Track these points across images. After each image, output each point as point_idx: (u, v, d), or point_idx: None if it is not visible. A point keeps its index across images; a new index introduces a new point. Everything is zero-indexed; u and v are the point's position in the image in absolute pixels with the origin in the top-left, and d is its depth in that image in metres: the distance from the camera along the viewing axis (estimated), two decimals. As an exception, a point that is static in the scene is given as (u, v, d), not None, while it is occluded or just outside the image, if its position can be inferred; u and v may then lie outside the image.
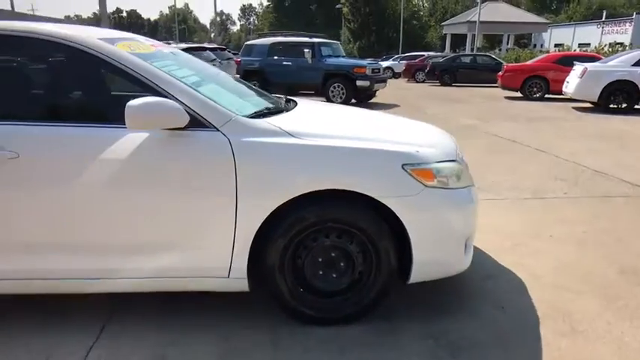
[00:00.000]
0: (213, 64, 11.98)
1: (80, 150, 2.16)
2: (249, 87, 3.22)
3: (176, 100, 2.20)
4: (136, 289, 2.34)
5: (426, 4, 63.65)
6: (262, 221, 2.22)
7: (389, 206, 2.26)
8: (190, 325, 2.42)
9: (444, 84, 20.56)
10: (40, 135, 2.16)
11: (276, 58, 13.18)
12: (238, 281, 2.32)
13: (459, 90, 18.37)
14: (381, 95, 14.81)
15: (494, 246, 3.40)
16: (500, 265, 3.12)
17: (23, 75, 2.31)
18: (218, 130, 2.21)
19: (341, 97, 12.59)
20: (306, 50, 12.62)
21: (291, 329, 2.38)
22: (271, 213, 2.21)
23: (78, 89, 2.32)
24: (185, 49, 11.29)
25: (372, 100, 13.84)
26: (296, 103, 3.03)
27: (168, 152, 2.18)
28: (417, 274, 2.40)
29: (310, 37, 13.66)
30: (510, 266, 3.10)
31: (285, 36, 14.18)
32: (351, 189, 2.23)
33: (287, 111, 2.71)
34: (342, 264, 2.39)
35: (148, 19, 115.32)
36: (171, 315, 2.49)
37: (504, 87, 14.97)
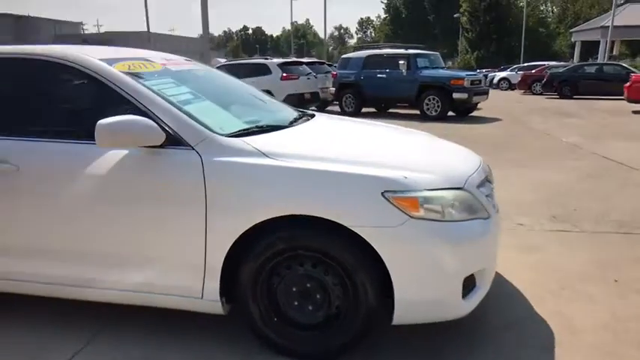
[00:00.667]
0: (308, 78, 12.29)
1: (67, 165, 2.28)
2: (268, 102, 3.20)
3: (157, 117, 2.21)
4: (118, 300, 2.39)
5: (555, 10, 58.84)
6: (231, 243, 2.13)
7: (363, 237, 2.03)
8: (169, 343, 2.40)
9: (563, 96, 18.69)
10: (37, 150, 2.32)
11: (371, 70, 13.09)
12: (212, 303, 2.25)
13: (577, 103, 16.55)
14: (487, 108, 13.93)
15: (536, 287, 2.92)
16: (534, 313, 2.65)
17: (25, 93, 2.52)
18: (193, 149, 2.18)
19: (436, 110, 12.07)
20: (400, 62, 12.35)
21: (265, 358, 2.25)
22: (242, 236, 2.12)
23: (74, 107, 2.45)
24: (281, 64, 11.72)
25: (474, 114, 13.07)
26: (308, 119, 2.92)
27: (144, 169, 2.20)
28: (401, 315, 2.12)
29: (407, 48, 13.33)
30: (546, 315, 2.62)
31: (381, 48, 14.03)
32: (319, 215, 2.04)
33: (284, 128, 2.61)
34: (318, 296, 2.20)
35: (271, 36, 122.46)
36: (156, 330, 2.50)
37: (630, 100, 13.13)
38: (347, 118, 3.64)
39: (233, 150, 2.18)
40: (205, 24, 11.20)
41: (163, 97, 2.31)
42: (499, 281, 3.03)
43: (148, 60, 2.70)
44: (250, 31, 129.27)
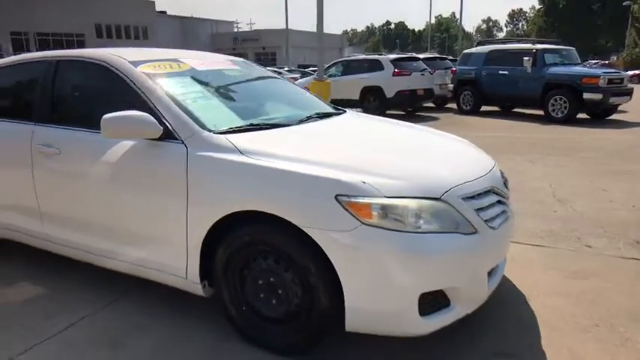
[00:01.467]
0: (422, 74, 11.94)
1: (90, 150, 2.66)
2: (299, 100, 3.30)
3: (159, 113, 2.47)
4: (127, 271, 2.71)
5: None
6: (207, 230, 2.28)
7: (314, 238, 2.04)
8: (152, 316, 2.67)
9: None
10: (72, 137, 2.74)
11: (492, 66, 12.26)
12: (194, 285, 2.45)
13: None
14: (636, 111, 12.11)
15: (559, 318, 2.59)
16: (537, 346, 2.36)
17: (70, 89, 2.97)
18: (182, 143, 2.39)
19: (562, 112, 10.87)
20: (525, 58, 11.33)
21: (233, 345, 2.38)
22: (215, 225, 2.27)
23: (103, 101, 2.83)
24: (394, 60, 11.59)
25: (613, 117, 11.47)
26: (321, 118, 2.97)
27: (143, 158, 2.48)
28: (353, 323, 2.08)
29: (535, 43, 12.18)
30: (552, 351, 2.31)
31: (513, 43, 13.03)
32: (273, 212, 2.10)
33: (284, 127, 2.69)
34: (280, 291, 2.25)
35: (413, 30, 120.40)
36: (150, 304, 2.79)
37: None
38: (378, 118, 3.55)
39: (214, 146, 2.34)
40: (320, 19, 11.52)
41: (168, 95, 2.55)
42: (516, 302, 2.76)
43: (177, 61, 2.98)
44: (392, 26, 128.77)
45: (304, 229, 2.04)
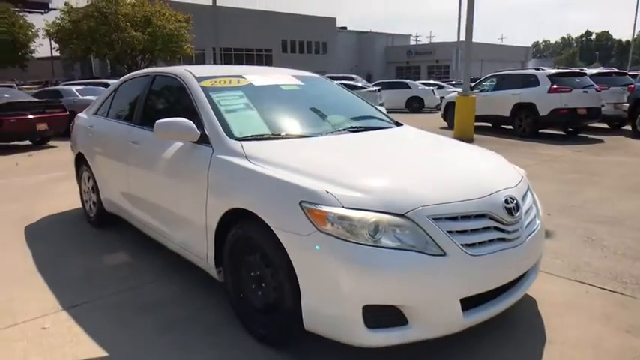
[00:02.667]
0: (584, 91, 10.69)
1: (156, 148, 3.24)
2: (350, 113, 3.50)
3: (202, 121, 2.94)
4: (177, 251, 3.24)
5: None
6: (217, 222, 2.64)
7: (280, 239, 2.23)
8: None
9: None
10: (147, 136, 3.38)
11: (681, 84, 10.31)
12: (212, 269, 2.84)
13: None
14: None
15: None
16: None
17: (151, 98, 3.64)
18: (211, 146, 2.81)
19: None
20: None
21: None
22: (224, 218, 2.61)
23: (173, 108, 3.41)
24: (553, 75, 10.64)
25: None
26: (354, 131, 3.12)
27: (185, 157, 2.97)
28: (309, 323, 2.22)
29: None
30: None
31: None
32: (255, 212, 2.34)
33: (305, 137, 2.93)
34: (263, 284, 2.48)
35: (619, 41, 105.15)
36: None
37: None
38: (422, 134, 3.48)
39: (230, 150, 2.69)
40: (469, 28, 11.14)
41: (213, 107, 2.99)
42: (533, 344, 2.51)
43: (241, 77, 3.43)
44: (593, 36, 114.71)
45: (274, 230, 2.26)
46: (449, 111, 13.32)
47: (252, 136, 2.84)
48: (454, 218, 2.19)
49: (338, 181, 2.25)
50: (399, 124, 3.68)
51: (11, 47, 27.65)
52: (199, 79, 3.26)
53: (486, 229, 2.27)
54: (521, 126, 11.40)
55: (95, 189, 4.39)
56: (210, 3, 20.10)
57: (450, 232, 2.14)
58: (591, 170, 7.23)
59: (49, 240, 4.29)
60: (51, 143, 11.11)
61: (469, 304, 2.22)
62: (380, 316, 2.09)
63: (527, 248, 2.41)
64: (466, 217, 2.23)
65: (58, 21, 28.42)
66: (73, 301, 3.06)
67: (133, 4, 29.25)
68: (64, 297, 3.12)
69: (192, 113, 3.04)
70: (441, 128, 13.29)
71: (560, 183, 6.31)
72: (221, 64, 42.42)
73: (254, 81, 3.42)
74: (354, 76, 28.47)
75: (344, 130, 3.17)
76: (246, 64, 44.76)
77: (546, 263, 3.57)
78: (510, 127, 11.77)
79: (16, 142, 10.72)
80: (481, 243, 2.22)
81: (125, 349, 2.52)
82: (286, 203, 2.23)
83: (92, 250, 3.99)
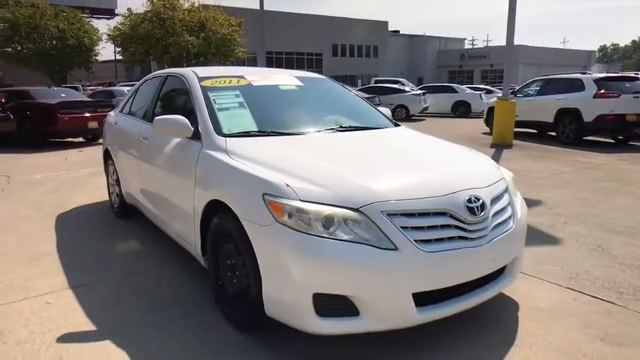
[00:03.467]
0: (635, 97, 10.15)
1: (159, 143, 3.48)
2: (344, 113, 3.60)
3: (197, 118, 3.14)
4: (175, 240, 3.45)
5: None
6: (202, 210, 2.81)
7: (246, 229, 2.37)
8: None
9: None
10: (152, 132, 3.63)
11: None
12: (200, 256, 3.02)
13: None
14: None
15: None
16: None
17: (162, 96, 3.88)
18: (200, 142, 3.00)
19: None
20: None
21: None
22: (207, 209, 2.79)
23: (177, 105, 3.63)
24: (600, 80, 10.21)
25: None
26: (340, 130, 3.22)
27: (180, 151, 3.18)
28: (269, 309, 2.34)
29: None
30: None
31: None
32: (227, 203, 2.50)
33: (291, 135, 3.06)
34: (237, 272, 2.62)
35: None
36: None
37: None
38: (413, 135, 3.50)
39: (215, 146, 2.87)
40: (510, 32, 10.84)
41: (207, 105, 3.19)
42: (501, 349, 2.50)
43: (242, 77, 3.61)
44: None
45: (241, 220, 2.40)
46: (490, 116, 12.99)
47: (238, 132, 3.00)
48: (410, 214, 2.24)
49: (301, 176, 2.37)
50: (396, 125, 3.73)
51: (77, 50, 29.54)
52: (201, 79, 3.47)
53: (446, 226, 2.30)
54: (565, 132, 10.95)
55: (118, 182, 4.71)
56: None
57: (404, 227, 2.20)
58: (629, 180, 6.88)
59: (74, 227, 4.66)
60: (101, 140, 11.85)
61: (425, 300, 2.26)
62: (330, 305, 2.18)
63: (494, 249, 2.41)
64: (424, 214, 2.27)
65: (119, 26, 30.11)
66: (80, 282, 3.34)
67: (188, 9, 30.47)
68: (73, 277, 3.41)
69: (191, 111, 3.25)
70: (483, 133, 13.00)
71: (589, 191, 6.06)
72: (272, 67, 43.32)
73: (253, 81, 3.59)
74: (401, 79, 28.36)
75: (331, 129, 3.27)
76: (297, 67, 45.44)
77: (543, 270, 3.51)
78: (554, 133, 11.34)
79: (70, 139, 11.54)
80: (438, 240, 2.25)
81: (112, 324, 2.74)
82: (252, 195, 2.37)
83: (110, 238, 4.30)
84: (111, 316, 2.85)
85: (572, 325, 2.71)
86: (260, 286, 2.35)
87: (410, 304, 2.20)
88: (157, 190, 3.64)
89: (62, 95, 11.47)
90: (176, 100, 3.74)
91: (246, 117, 3.21)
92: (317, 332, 2.21)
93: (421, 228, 2.24)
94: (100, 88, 23.08)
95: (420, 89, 21.29)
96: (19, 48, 28.79)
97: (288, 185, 2.28)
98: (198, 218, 2.87)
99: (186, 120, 3.09)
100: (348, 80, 41.94)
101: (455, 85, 23.02)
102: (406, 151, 3.06)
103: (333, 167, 2.51)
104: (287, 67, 44.51)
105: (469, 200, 2.37)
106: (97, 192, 5.97)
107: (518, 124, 11.71)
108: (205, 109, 3.15)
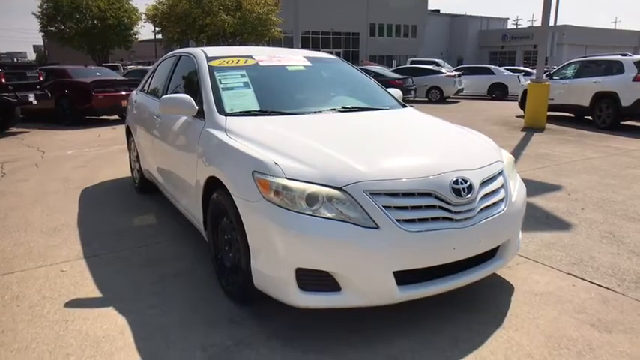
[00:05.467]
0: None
1: (169, 120, 3.61)
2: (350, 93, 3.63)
3: (202, 97, 3.23)
4: (185, 215, 3.60)
5: None
6: (203, 186, 2.92)
7: (237, 205, 2.46)
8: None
9: None
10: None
11: None
12: (203, 231, 3.15)
13: None
14: None
15: None
16: None
17: (174, 75, 4.00)
18: (203, 120, 3.10)
19: None
20: None
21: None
22: (207, 185, 2.90)
23: (188, 83, 3.73)
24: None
25: None
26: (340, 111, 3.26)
27: (185, 129, 3.30)
28: (257, 282, 2.44)
29: None
30: None
31: None
32: (222, 180, 2.60)
33: (289, 115, 3.12)
34: (232, 246, 2.73)
35: None
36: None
37: None
38: (417, 116, 3.48)
39: (216, 124, 2.96)
40: (546, 10, 10.42)
41: (213, 84, 3.27)
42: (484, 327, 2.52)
43: (250, 57, 3.67)
44: None
45: (233, 197, 2.50)
46: (525, 99, 12.59)
47: (239, 112, 3.08)
48: (394, 194, 2.27)
49: (292, 155, 2.43)
50: (404, 106, 3.72)
51: (117, 30, 30.34)
52: (210, 58, 3.56)
53: (430, 207, 2.32)
54: (601, 117, 10.52)
55: (138, 158, 4.91)
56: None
57: (386, 207, 2.23)
58: (661, 166, 6.59)
59: (97, 201, 4.90)
60: (134, 118, 12.25)
61: (407, 278, 2.30)
62: (313, 280, 2.25)
63: (480, 232, 2.42)
64: (408, 195, 2.30)
65: (157, 5, 30.64)
66: (95, 252, 3.54)
67: (226, -12, 30.66)
68: (89, 248, 3.62)
69: (198, 90, 3.35)
70: (517, 117, 12.65)
71: (614, 178, 5.86)
72: (308, 48, 43.15)
73: (261, 61, 3.64)
74: (437, 60, 27.72)
75: (332, 109, 3.30)
76: (333, 47, 45.13)
77: (548, 254, 3.47)
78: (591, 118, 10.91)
79: (105, 117, 11.97)
80: (422, 220, 2.28)
81: (117, 292, 2.92)
82: (243, 173, 2.45)
83: (128, 212, 4.51)
84: (118, 284, 3.02)
85: (564, 310, 2.69)
86: (249, 260, 2.44)
87: (391, 281, 2.25)
88: (167, 167, 3.78)
89: (97, 74, 11.87)
90: (187, 79, 3.84)
91: (250, 96, 3.28)
92: (299, 305, 2.30)
93: (405, 208, 2.27)
94: (134, 67, 23.63)
95: (456, 70, 20.78)
96: (62, 27, 29.77)
97: (276, 164, 2.35)
98: (200, 194, 2.99)
99: (191, 99, 3.19)
100: (385, 61, 41.34)
101: (492, 66, 22.34)
102: (402, 133, 3.06)
103: (323, 147, 2.55)
104: (323, 48, 44.42)
105: (455, 182, 2.37)
106: (124, 168, 6.20)
107: (554, 107, 11.33)
108: (210, 88, 3.24)
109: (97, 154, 7.47)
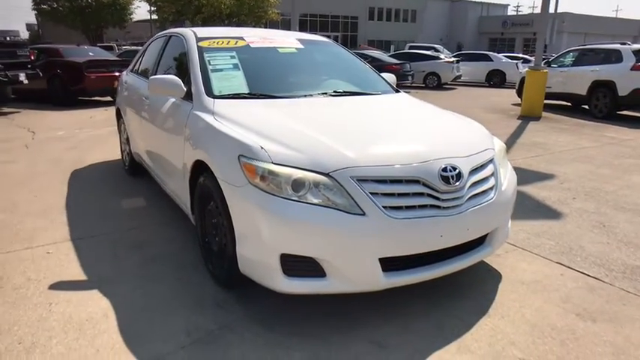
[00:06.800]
0: None
1: (158, 101, 3.55)
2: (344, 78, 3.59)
3: (190, 78, 3.17)
4: (173, 199, 3.55)
5: None
6: (189, 173, 2.89)
7: (222, 189, 2.43)
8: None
9: None
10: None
11: None
12: (190, 215, 3.12)
13: None
14: None
15: None
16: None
17: (163, 56, 3.93)
18: (191, 102, 3.05)
19: None
20: None
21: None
22: (194, 169, 2.86)
23: (177, 64, 3.66)
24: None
25: None
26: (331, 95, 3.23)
27: (173, 111, 3.25)
28: (242, 267, 2.41)
29: None
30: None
31: None
32: (208, 164, 2.56)
33: (279, 98, 3.08)
34: (218, 230, 2.70)
35: None
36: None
37: None
38: (408, 102, 3.43)
39: (203, 107, 2.91)
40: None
41: (202, 66, 3.21)
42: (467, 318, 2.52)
43: (240, 38, 3.60)
44: None
45: (219, 180, 2.46)
46: (522, 86, 12.53)
47: (228, 94, 3.03)
48: (381, 181, 2.24)
49: (279, 140, 2.39)
50: (397, 91, 3.67)
51: (111, 9, 29.88)
52: (199, 39, 3.49)
53: (418, 194, 2.29)
54: (598, 106, 10.48)
55: (128, 140, 4.85)
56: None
57: (373, 193, 2.20)
58: (655, 157, 6.58)
59: (86, 183, 4.86)
60: (128, 100, 12.11)
61: (393, 265, 2.29)
62: (298, 266, 2.23)
63: (468, 219, 2.39)
64: (396, 181, 2.26)
65: (152, -17, 30.18)
66: (81, 235, 3.51)
67: (223, -32, 30.13)
68: (76, 230, 3.59)
69: (187, 71, 3.28)
70: (514, 104, 12.60)
71: (608, 167, 5.85)
72: (306, 31, 42.66)
73: (252, 43, 3.58)
74: (436, 46, 27.49)
75: (323, 93, 3.25)
76: (331, 31, 44.67)
77: (538, 243, 3.47)
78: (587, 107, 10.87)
79: (98, 98, 11.83)
80: (409, 207, 2.25)
81: (103, 275, 2.89)
82: (229, 157, 2.41)
83: (117, 194, 4.46)
84: (103, 267, 3.00)
85: (550, 299, 2.69)
86: (235, 245, 2.42)
87: (377, 268, 2.23)
88: (156, 150, 3.74)
89: (90, 54, 11.71)
90: (176, 60, 3.77)
91: (239, 79, 3.22)
92: (284, 291, 2.28)
93: (392, 195, 2.24)
94: (128, 47, 23.33)
95: (454, 57, 20.63)
96: (55, 5, 29.28)
97: (262, 148, 2.31)
98: (187, 177, 2.95)
99: (180, 80, 3.13)
100: (383, 46, 40.97)
101: (490, 53, 22.17)
102: (392, 119, 3.02)
103: (311, 132, 2.51)
104: (321, 31, 43.95)
105: (444, 169, 2.34)
106: (115, 150, 6.12)
107: (551, 95, 11.28)
108: (199, 69, 3.18)
109: (89, 136, 7.39)
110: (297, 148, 2.32)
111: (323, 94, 3.26)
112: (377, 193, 2.21)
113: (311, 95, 3.20)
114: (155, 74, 3.90)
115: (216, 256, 2.75)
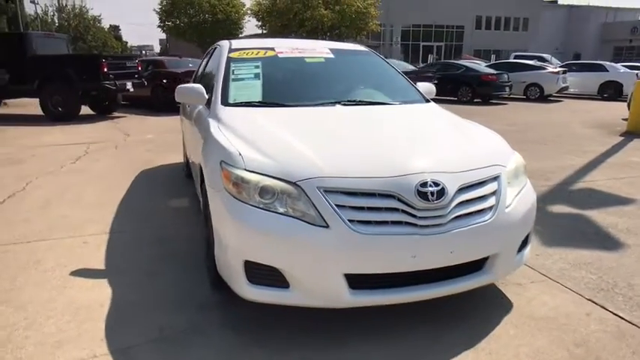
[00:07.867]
0: None
1: (193, 108, 3.76)
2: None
3: (213, 87, 3.34)
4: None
5: None
6: (199, 175, 3.02)
7: (207, 193, 2.51)
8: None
9: None
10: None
11: None
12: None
13: None
14: None
15: None
16: None
17: (209, 65, 4.16)
18: (209, 109, 3.20)
19: None
20: None
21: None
22: (201, 172, 2.98)
23: (214, 75, 3.81)
24: None
25: None
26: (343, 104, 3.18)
27: (198, 117, 3.44)
28: (219, 268, 2.47)
29: None
30: None
31: None
32: (203, 168, 2.67)
33: (288, 107, 3.10)
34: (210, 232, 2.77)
35: None
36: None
37: None
38: (434, 111, 3.26)
39: (215, 114, 3.04)
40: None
41: (225, 75, 3.36)
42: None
43: (270, 49, 3.70)
44: None
45: (206, 185, 2.55)
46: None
47: (240, 102, 3.13)
48: (351, 193, 2.16)
49: (259, 147, 2.42)
50: (427, 101, 3.52)
51: (225, 24, 32.27)
52: (232, 50, 3.65)
53: (392, 209, 2.16)
54: None
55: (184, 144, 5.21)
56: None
57: (340, 206, 2.12)
58: None
59: (148, 182, 5.30)
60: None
61: (364, 283, 2.18)
62: (261, 274, 2.22)
63: (452, 241, 2.20)
64: (368, 195, 2.16)
65: (260, 0, 31.95)
66: (121, 228, 3.83)
67: (326, -18, 31.01)
68: (118, 224, 3.93)
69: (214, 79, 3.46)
70: (624, 119, 11.26)
71: None
72: (408, 41, 42.23)
73: (280, 54, 3.65)
74: (544, 55, 25.59)
75: (337, 102, 3.21)
76: (435, 41, 43.70)
77: (573, 275, 3.10)
78: None
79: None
80: (379, 223, 2.14)
81: (119, 266, 3.13)
82: (214, 162, 2.49)
83: (169, 194, 4.80)
84: (123, 260, 3.24)
85: (559, 340, 2.37)
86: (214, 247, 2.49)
87: (341, 284, 2.15)
88: (189, 153, 3.98)
89: (190, 65, 12.72)
90: (212, 69, 3.98)
91: (256, 88, 3.31)
92: (248, 298, 2.29)
93: (361, 208, 2.14)
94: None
95: (562, 67, 19.02)
96: (177, 22, 32.37)
97: (240, 154, 2.35)
98: (198, 181, 3.10)
99: (202, 89, 3.31)
100: (491, 55, 39.08)
101: (606, 62, 20.05)
102: (392, 129, 2.89)
103: (298, 141, 2.49)
104: (424, 41, 43.17)
105: (423, 184, 2.18)
106: (185, 153, 6.63)
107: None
108: (222, 78, 3.33)
109: (169, 140, 8.01)
110: (271, 155, 2.33)
111: (335, 103, 3.21)
112: (344, 206, 2.13)
113: (321, 104, 3.18)
114: (196, 82, 4.15)
115: (208, 257, 2.84)
